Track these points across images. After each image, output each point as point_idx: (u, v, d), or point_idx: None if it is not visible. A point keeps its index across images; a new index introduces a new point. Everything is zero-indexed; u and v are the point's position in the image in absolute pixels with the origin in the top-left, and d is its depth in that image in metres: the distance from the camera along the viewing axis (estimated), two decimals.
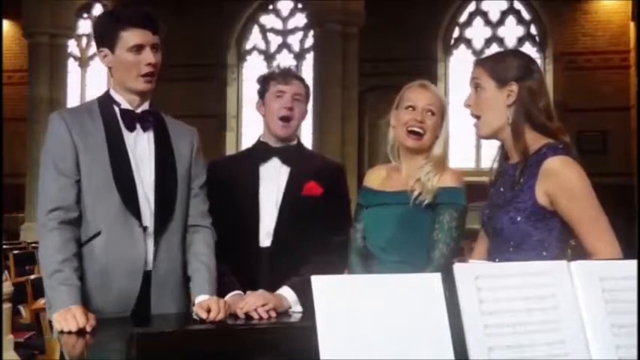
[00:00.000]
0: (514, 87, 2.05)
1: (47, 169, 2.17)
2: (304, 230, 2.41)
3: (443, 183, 2.38)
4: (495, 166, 2.24)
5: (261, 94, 2.55)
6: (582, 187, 1.96)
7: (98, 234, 2.16)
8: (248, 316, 2.17)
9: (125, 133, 2.22)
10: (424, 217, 2.38)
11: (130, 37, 2.17)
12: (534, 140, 2.04)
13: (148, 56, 2.18)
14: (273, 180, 2.49)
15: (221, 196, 2.44)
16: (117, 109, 2.24)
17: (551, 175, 1.95)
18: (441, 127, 2.45)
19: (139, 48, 2.17)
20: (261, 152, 2.54)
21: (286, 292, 2.29)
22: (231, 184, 2.47)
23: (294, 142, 2.58)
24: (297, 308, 2.29)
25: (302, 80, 2.56)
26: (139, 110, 2.25)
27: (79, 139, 2.16)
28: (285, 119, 2.48)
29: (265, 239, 2.45)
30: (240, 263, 2.40)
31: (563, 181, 1.95)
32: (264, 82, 2.55)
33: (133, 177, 2.19)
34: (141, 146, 2.24)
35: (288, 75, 2.54)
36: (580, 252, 1.95)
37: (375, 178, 2.55)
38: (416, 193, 2.38)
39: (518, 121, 2.04)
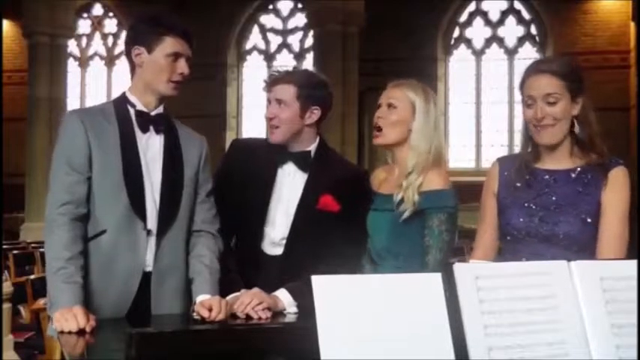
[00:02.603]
0: (580, 100, 2.13)
1: (60, 164, 2.18)
2: (317, 240, 2.32)
3: (426, 186, 2.33)
4: (495, 170, 2.26)
5: None
6: (627, 204, 2.12)
7: (103, 232, 2.17)
8: (248, 316, 2.17)
9: (138, 134, 2.25)
10: (414, 222, 2.35)
11: (173, 43, 2.23)
12: (584, 151, 2.15)
13: (183, 66, 2.24)
14: (286, 186, 2.41)
15: (234, 187, 2.41)
16: (132, 111, 2.26)
17: (616, 182, 2.11)
18: (410, 121, 2.39)
19: (176, 56, 2.23)
20: (278, 154, 2.43)
21: (282, 294, 2.27)
22: (247, 179, 2.42)
23: (311, 147, 2.46)
24: (291, 310, 2.27)
25: (290, 81, 2.40)
26: (153, 113, 2.28)
27: (93, 136, 2.18)
28: (272, 126, 2.41)
29: (271, 247, 2.40)
30: (244, 267, 2.39)
31: (620, 189, 2.11)
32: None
33: (142, 179, 2.21)
34: (153, 148, 2.26)
35: (272, 81, 2.43)
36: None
37: (377, 180, 2.54)
38: (398, 198, 2.34)
39: (582, 135, 2.14)
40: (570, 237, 2.08)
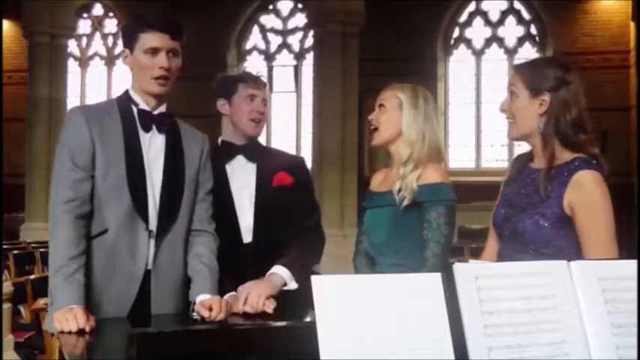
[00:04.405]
0: (546, 97, 2.10)
1: (64, 161, 2.18)
2: (281, 220, 2.52)
3: (424, 180, 2.37)
4: (509, 165, 2.29)
5: (226, 94, 2.62)
6: (604, 207, 2.01)
7: (105, 231, 2.17)
8: (246, 315, 2.19)
9: (141, 133, 2.25)
10: (413, 217, 2.37)
11: (148, 39, 2.22)
12: (565, 151, 2.09)
13: (162, 60, 2.22)
14: (241, 177, 2.58)
15: None
16: (135, 109, 2.27)
17: (580, 187, 2.00)
18: (400, 117, 2.46)
19: (154, 51, 2.22)
20: (225, 152, 2.62)
21: (279, 270, 2.37)
22: None
23: (256, 141, 2.69)
24: (292, 285, 2.35)
25: (267, 86, 2.71)
26: (155, 112, 2.28)
27: (97, 135, 2.18)
28: (257, 121, 2.59)
29: (246, 235, 2.53)
30: (226, 260, 2.40)
31: (589, 196, 2.00)
32: (232, 83, 2.64)
33: (145, 179, 2.21)
34: (155, 147, 2.26)
35: (259, 80, 2.65)
36: None
37: (376, 181, 2.61)
38: (396, 188, 2.39)
39: (547, 132, 2.09)
40: (525, 238, 2.06)
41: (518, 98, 2.13)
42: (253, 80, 2.63)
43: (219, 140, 2.69)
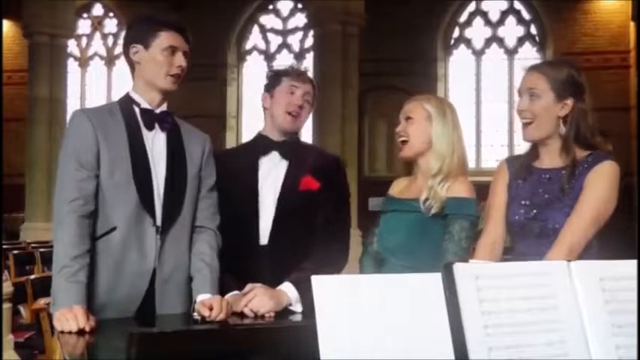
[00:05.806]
0: (569, 102, 2.15)
1: (68, 160, 2.20)
2: (303, 225, 2.44)
3: (453, 193, 2.40)
4: (504, 165, 2.34)
5: (270, 87, 2.59)
6: (607, 195, 2.10)
7: (113, 229, 2.18)
8: (247, 315, 2.19)
9: (144, 132, 2.28)
10: (435, 225, 2.40)
11: (168, 38, 2.28)
12: (580, 151, 2.16)
13: (180, 59, 2.28)
14: (271, 174, 2.51)
15: (221, 190, 2.43)
16: (137, 109, 2.30)
17: (600, 172, 2.09)
18: (429, 128, 2.47)
19: (173, 50, 2.28)
20: (261, 146, 2.56)
21: (288, 289, 2.29)
22: (231, 178, 2.46)
23: (295, 137, 2.61)
24: (297, 307, 2.28)
25: (313, 82, 2.60)
26: (158, 111, 2.31)
27: (101, 134, 2.20)
28: (293, 114, 2.52)
29: (264, 236, 2.46)
30: (241, 260, 2.40)
31: (602, 179, 2.09)
32: (276, 76, 2.59)
33: (150, 176, 2.23)
34: (158, 145, 2.28)
35: (303, 74, 2.59)
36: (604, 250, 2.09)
37: (397, 187, 2.61)
38: (423, 197, 2.40)
39: (569, 136, 2.14)
40: (558, 232, 2.10)
41: (541, 100, 2.16)
42: (298, 74, 2.58)
43: (258, 133, 2.63)
